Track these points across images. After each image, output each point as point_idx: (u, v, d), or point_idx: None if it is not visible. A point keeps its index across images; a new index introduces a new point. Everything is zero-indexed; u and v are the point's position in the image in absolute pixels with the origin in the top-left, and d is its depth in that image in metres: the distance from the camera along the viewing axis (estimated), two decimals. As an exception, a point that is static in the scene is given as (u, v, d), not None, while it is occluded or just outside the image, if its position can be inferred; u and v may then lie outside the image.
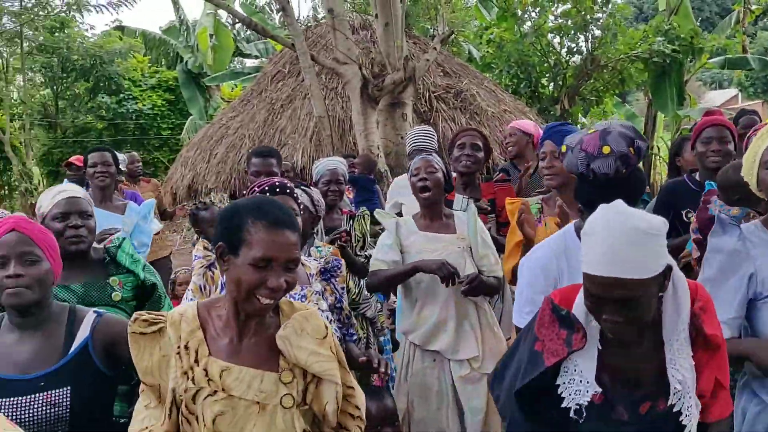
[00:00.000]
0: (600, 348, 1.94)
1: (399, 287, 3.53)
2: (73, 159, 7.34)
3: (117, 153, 5.08)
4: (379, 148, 7.46)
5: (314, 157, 8.63)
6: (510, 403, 2.06)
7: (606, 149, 2.24)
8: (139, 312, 1.90)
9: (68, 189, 2.83)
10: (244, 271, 1.82)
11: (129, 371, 2.33)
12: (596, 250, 1.81)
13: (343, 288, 2.87)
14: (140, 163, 7.07)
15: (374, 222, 4.44)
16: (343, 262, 2.95)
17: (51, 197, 2.77)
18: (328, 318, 2.69)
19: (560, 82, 13.64)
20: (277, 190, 2.77)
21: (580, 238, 2.34)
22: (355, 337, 2.94)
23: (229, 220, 1.89)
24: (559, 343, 1.95)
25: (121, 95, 20.50)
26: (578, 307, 1.95)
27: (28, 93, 21.82)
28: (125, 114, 20.14)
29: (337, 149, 7.94)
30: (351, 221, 5.30)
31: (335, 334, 2.63)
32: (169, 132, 20.48)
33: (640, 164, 2.43)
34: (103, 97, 20.33)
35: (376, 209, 3.92)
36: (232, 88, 21.42)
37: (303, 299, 2.63)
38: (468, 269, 3.31)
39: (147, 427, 1.85)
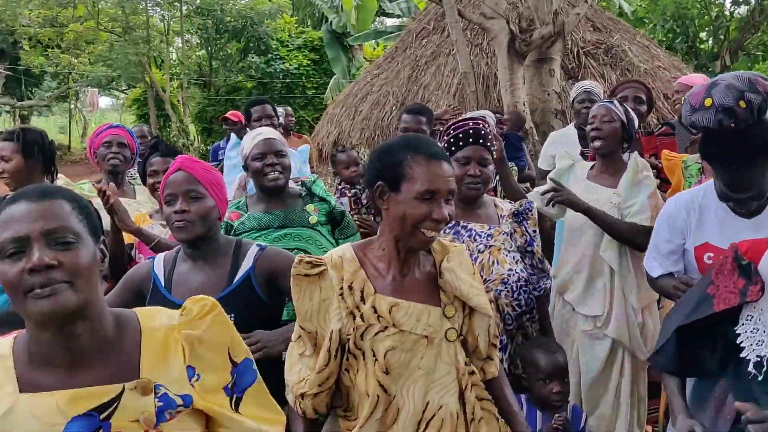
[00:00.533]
0: None
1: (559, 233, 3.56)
2: (228, 114, 7.76)
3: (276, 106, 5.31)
4: (524, 105, 7.31)
5: (457, 114, 8.61)
6: (667, 336, 2.04)
7: (708, 102, 2.13)
8: (301, 255, 1.99)
9: (264, 132, 3.11)
10: (409, 205, 1.87)
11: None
12: None
13: (534, 231, 2.83)
14: (293, 117, 7.28)
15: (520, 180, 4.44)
16: (535, 204, 2.92)
17: (251, 140, 3.05)
18: (514, 259, 2.73)
19: (721, 36, 12.70)
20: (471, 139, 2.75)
21: (719, 195, 2.26)
22: (544, 285, 2.88)
23: (387, 158, 1.95)
24: (734, 292, 1.90)
25: (270, 55, 21.28)
26: (766, 261, 1.88)
27: (185, 54, 23.20)
28: (273, 73, 20.92)
29: (481, 105, 7.86)
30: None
31: (522, 274, 2.71)
32: (314, 91, 21.07)
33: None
34: (252, 57, 21.20)
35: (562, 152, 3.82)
36: (374, 48, 21.64)
37: (489, 238, 2.70)
38: None
39: (305, 378, 1.95)
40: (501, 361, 2.62)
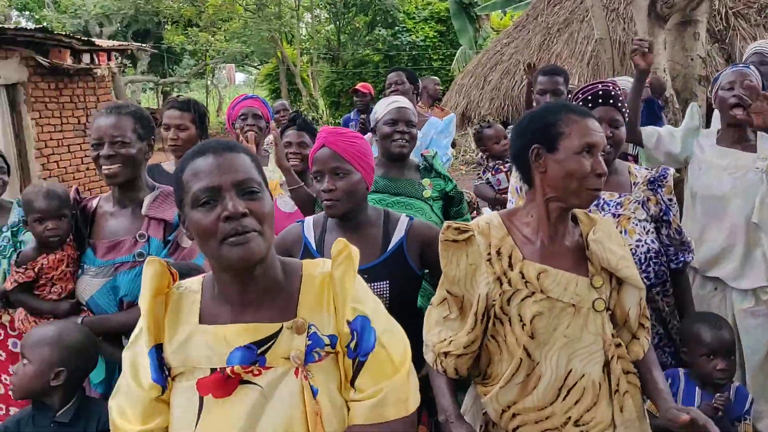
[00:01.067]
0: None
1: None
2: (359, 86, 7.86)
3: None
4: (665, 71, 6.91)
5: (590, 82, 8.30)
6: None
7: None
8: (449, 221, 2.01)
9: (399, 100, 3.16)
10: (570, 162, 1.86)
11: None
12: None
13: (671, 200, 2.68)
14: (440, 87, 7.13)
15: None
16: (671, 171, 2.76)
17: (385, 105, 3.12)
18: (645, 229, 2.62)
19: None
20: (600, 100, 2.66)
21: None
22: (684, 258, 2.72)
23: (539, 121, 1.94)
24: None
25: (396, 28, 21.36)
26: None
27: (314, 29, 23.71)
28: (399, 46, 21.00)
29: (618, 73, 7.52)
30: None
31: (652, 245, 2.59)
32: (440, 63, 20.98)
33: None
34: (379, 30, 21.37)
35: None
36: (501, 18, 21.20)
37: (618, 207, 2.60)
38: (763, 199, 2.99)
39: (448, 338, 1.98)
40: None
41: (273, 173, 3.70)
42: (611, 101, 2.61)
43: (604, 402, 1.90)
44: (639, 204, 2.62)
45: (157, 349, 1.45)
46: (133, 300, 2.39)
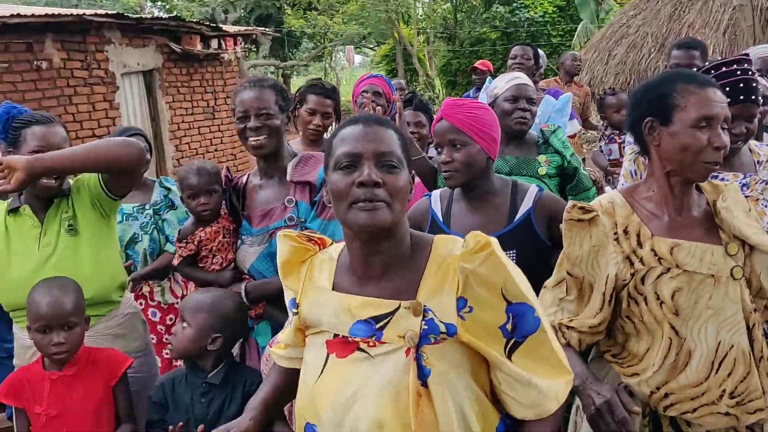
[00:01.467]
0: None
1: None
2: (477, 63, 7.76)
3: (539, 50, 5.19)
4: (814, 39, 6.39)
5: (727, 53, 7.79)
6: None
7: None
8: (573, 201, 1.98)
9: (520, 77, 3.13)
10: (685, 135, 1.80)
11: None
12: None
13: None
14: (580, 63, 6.83)
15: None
16: None
17: (506, 81, 3.10)
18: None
19: None
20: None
21: None
22: None
23: (653, 92, 1.88)
24: None
25: (514, 4, 20.92)
26: None
27: (431, 8, 23.61)
28: (517, 23, 20.56)
29: (759, 41, 7.01)
30: None
31: None
32: (559, 39, 20.36)
33: None
34: (497, 7, 20.99)
35: None
36: (626, -11, 20.27)
37: (745, 188, 2.45)
38: None
39: (568, 319, 1.96)
40: None
41: None
42: (752, 96, 2.37)
43: (755, 370, 1.84)
44: (766, 184, 2.47)
45: (294, 302, 1.64)
46: None
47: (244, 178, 2.76)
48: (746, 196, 2.39)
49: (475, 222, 2.34)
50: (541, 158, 3.04)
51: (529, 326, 1.48)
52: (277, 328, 2.56)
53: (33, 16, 7.74)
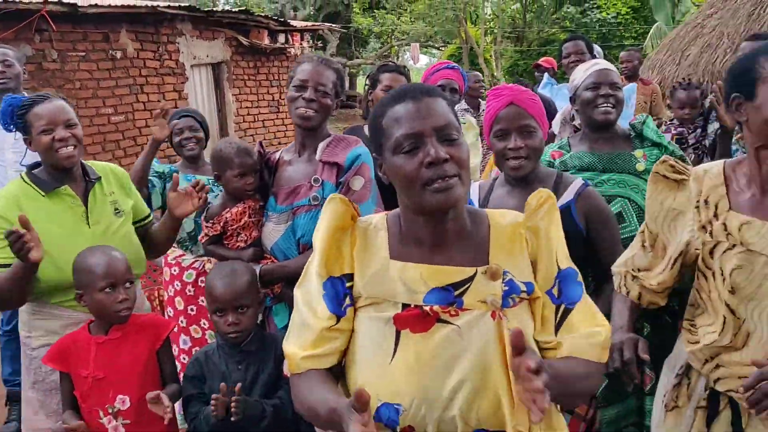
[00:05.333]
0: None
1: None
2: (541, 60, 7.64)
3: (594, 45, 5.06)
4: None
5: None
6: None
7: None
8: (668, 156, 1.94)
9: (601, 62, 2.90)
10: None
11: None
12: None
13: None
14: (631, 63, 6.62)
15: None
16: None
17: (584, 69, 2.88)
18: None
19: None
20: None
21: None
22: None
23: (737, 69, 1.82)
24: None
25: (586, 5, 20.55)
26: None
27: (500, 8, 23.40)
28: (588, 23, 20.18)
29: (844, 43, 6.67)
30: None
31: None
32: (632, 41, 19.87)
33: None
34: (568, 8, 20.66)
35: None
36: (704, -9, 19.64)
37: None
38: None
39: (639, 266, 1.97)
40: None
41: None
42: None
43: None
44: None
45: (342, 280, 1.53)
46: (308, 242, 2.50)
47: (277, 155, 2.77)
48: None
49: (513, 205, 2.25)
50: (638, 153, 2.77)
51: (578, 291, 1.49)
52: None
53: (110, 6, 8.03)
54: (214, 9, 10.26)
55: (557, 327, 1.48)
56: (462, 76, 3.86)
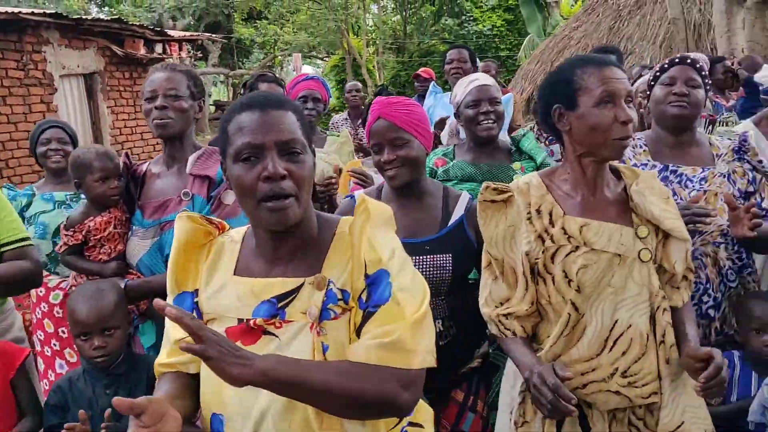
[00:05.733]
0: None
1: None
2: (420, 71, 7.81)
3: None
4: (743, 52, 6.63)
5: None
6: None
7: None
8: (487, 182, 1.98)
9: (479, 77, 2.94)
10: (591, 115, 1.82)
11: None
12: None
13: (760, 162, 2.48)
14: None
15: None
16: (750, 133, 2.61)
17: (464, 86, 2.93)
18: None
19: None
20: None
21: None
22: None
23: (556, 80, 1.91)
24: None
25: (463, 17, 21.22)
26: None
27: (381, 19, 23.77)
28: (466, 35, 20.85)
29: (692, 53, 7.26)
30: (710, 127, 4.86)
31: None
32: (507, 52, 20.71)
33: None
34: (446, 20, 21.28)
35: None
36: (572, 5, 20.76)
37: (703, 182, 2.44)
38: None
39: (499, 301, 1.96)
40: (713, 319, 2.44)
41: (327, 155, 3.67)
42: (688, 62, 2.49)
43: (652, 353, 1.86)
44: (725, 178, 2.45)
45: (193, 295, 1.53)
46: None
47: (144, 166, 2.68)
48: (705, 190, 2.41)
49: (408, 222, 2.27)
50: (516, 165, 2.90)
51: (385, 294, 1.39)
52: (162, 328, 2.51)
53: (-35, 13, 7.51)
54: (85, 17, 9.80)
55: (358, 330, 1.41)
56: (323, 86, 3.88)
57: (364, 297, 1.42)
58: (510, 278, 1.95)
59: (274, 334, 1.42)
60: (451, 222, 2.31)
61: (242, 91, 3.56)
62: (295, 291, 1.43)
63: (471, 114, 2.85)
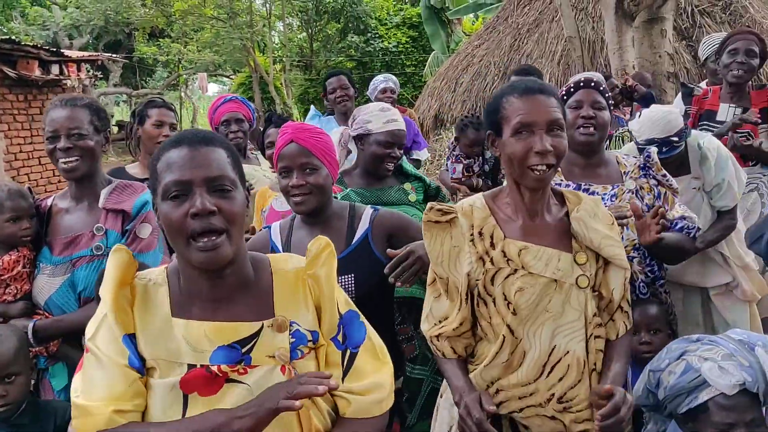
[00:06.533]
0: None
1: None
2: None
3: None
4: (634, 68, 7.00)
5: (562, 81, 8.36)
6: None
7: None
8: (432, 203, 2.00)
9: (398, 120, 2.98)
10: (510, 145, 1.85)
11: None
12: None
13: (664, 175, 2.60)
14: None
15: None
16: (653, 149, 2.69)
17: (384, 121, 2.94)
18: None
19: None
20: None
21: None
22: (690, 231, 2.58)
23: (490, 106, 1.95)
24: None
25: (369, 34, 21.43)
26: None
27: (287, 37, 23.68)
28: (372, 52, 21.07)
29: (587, 70, 7.59)
30: (608, 142, 5.10)
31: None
32: (413, 68, 21.04)
33: None
34: (352, 37, 21.42)
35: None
36: (474, 22, 21.34)
37: (614, 199, 2.55)
38: (705, 213, 2.94)
39: (437, 320, 1.99)
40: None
41: (267, 171, 3.64)
42: (592, 84, 2.60)
43: (587, 380, 1.89)
44: (633, 194, 2.56)
45: (131, 339, 1.42)
46: (90, 295, 2.35)
47: (49, 201, 2.58)
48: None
49: None
50: (407, 186, 3.04)
51: (361, 334, 1.51)
52: (74, 369, 2.41)
53: None
54: (-27, 38, 9.30)
55: (345, 372, 1.49)
56: (244, 105, 3.86)
57: (340, 338, 1.49)
58: (454, 296, 1.95)
59: (240, 381, 1.39)
60: (354, 240, 2.32)
61: (132, 120, 3.48)
62: (256, 335, 1.42)
63: (380, 152, 2.92)
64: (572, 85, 2.65)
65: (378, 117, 2.97)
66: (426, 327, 2.02)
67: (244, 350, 1.41)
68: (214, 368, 1.38)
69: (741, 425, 1.77)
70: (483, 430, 1.75)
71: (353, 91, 4.85)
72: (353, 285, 2.25)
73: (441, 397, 2.18)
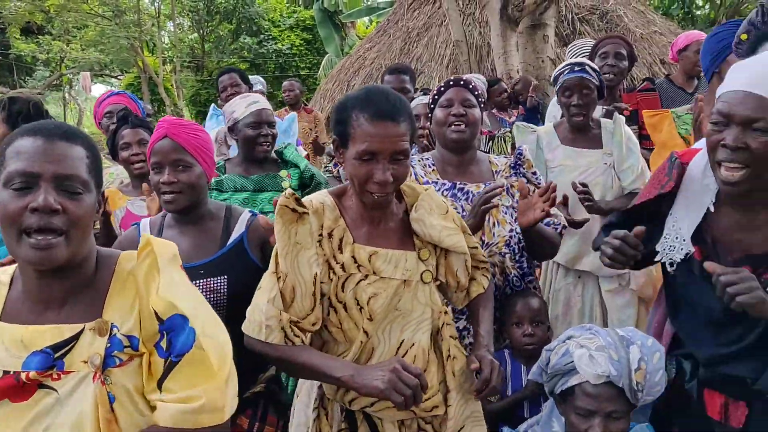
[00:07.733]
0: (712, 210, 1.90)
1: None
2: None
3: (251, 76, 5.21)
4: (518, 72, 7.22)
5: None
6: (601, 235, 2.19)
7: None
8: (292, 191, 1.91)
9: (260, 100, 3.18)
10: (352, 165, 1.83)
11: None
12: (736, 73, 1.77)
13: (534, 173, 2.69)
14: (292, 93, 7.07)
15: None
16: (525, 147, 2.78)
17: (245, 106, 3.14)
18: (513, 217, 2.59)
19: (718, 1, 12.55)
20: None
21: None
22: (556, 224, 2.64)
23: (339, 114, 1.89)
24: (655, 186, 2.00)
25: (262, 36, 21.18)
26: (696, 163, 1.97)
27: (177, 37, 23.04)
28: (266, 54, 20.83)
29: (474, 72, 7.78)
30: (490, 142, 5.21)
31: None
32: (307, 71, 20.95)
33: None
34: (244, 39, 21.09)
35: (516, 123, 3.76)
36: (367, 26, 21.50)
37: None
38: (614, 191, 3.19)
39: (296, 318, 1.86)
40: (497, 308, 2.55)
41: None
42: (462, 83, 2.65)
43: (434, 367, 1.93)
44: (504, 191, 2.62)
45: None
46: None
47: None
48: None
49: (186, 247, 2.18)
50: (283, 173, 3.17)
51: (188, 342, 1.33)
52: None
53: None
54: None
55: (160, 382, 1.34)
56: (132, 100, 3.83)
57: (164, 345, 1.33)
58: (287, 292, 1.84)
59: (51, 388, 1.28)
60: (229, 242, 2.26)
61: None
62: (74, 338, 1.31)
63: (252, 134, 3.12)
64: (443, 85, 2.70)
65: (240, 104, 3.18)
66: (274, 311, 1.83)
67: (56, 355, 1.30)
68: (23, 375, 1.28)
69: (601, 414, 1.89)
70: (423, 383, 1.73)
71: (245, 89, 4.78)
72: (225, 286, 2.18)
73: (296, 397, 2.14)
